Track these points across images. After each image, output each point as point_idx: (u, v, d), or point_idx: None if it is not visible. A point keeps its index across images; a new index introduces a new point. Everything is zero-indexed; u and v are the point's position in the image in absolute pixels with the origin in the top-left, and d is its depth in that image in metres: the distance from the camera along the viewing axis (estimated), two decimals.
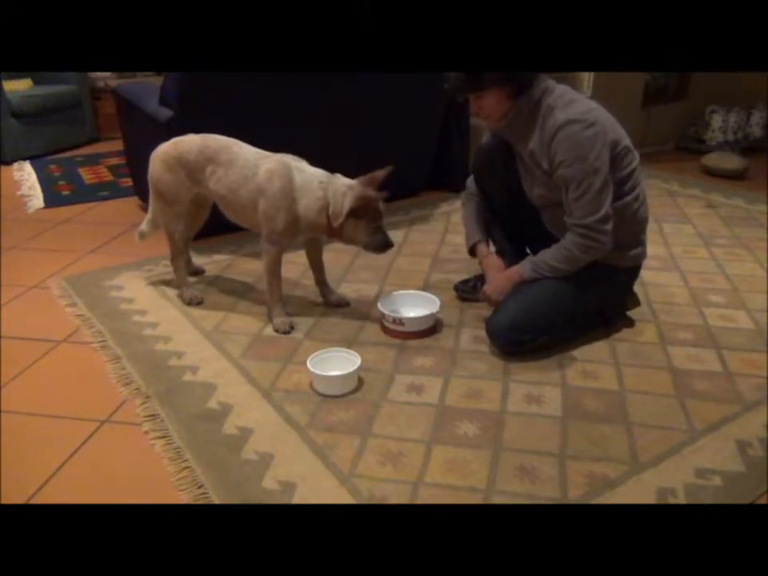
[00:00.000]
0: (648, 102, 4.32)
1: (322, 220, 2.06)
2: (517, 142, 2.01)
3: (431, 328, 2.15)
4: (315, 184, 2.07)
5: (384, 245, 2.09)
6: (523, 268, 2.00)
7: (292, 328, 2.18)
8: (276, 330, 2.17)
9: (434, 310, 2.15)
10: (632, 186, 1.95)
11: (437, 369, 1.96)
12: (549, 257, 1.96)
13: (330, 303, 2.35)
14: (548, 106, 1.88)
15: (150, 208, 2.42)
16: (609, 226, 1.88)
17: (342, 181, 2.08)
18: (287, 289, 2.37)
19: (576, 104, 1.87)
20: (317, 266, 2.34)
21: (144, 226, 2.46)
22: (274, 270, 2.18)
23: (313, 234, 2.19)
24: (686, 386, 1.86)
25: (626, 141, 1.92)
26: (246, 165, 2.15)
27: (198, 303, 2.35)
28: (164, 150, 2.28)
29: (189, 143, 2.25)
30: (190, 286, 2.42)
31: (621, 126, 1.94)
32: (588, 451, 1.60)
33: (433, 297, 2.23)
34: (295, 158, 2.16)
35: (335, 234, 2.08)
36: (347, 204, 2.00)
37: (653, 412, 1.75)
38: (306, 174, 2.10)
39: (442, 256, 2.80)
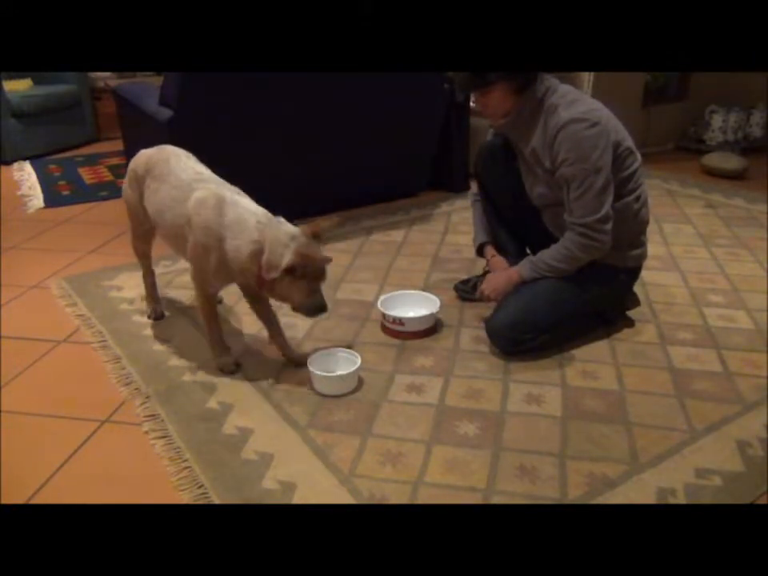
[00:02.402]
0: (648, 101, 4.32)
1: (253, 267, 1.74)
2: (519, 139, 2.01)
3: (431, 328, 2.15)
4: (252, 223, 1.74)
5: (318, 308, 1.78)
6: (522, 268, 2.01)
7: (238, 366, 1.96)
8: (221, 371, 1.94)
9: (434, 310, 2.15)
10: (633, 187, 1.95)
11: (437, 369, 1.96)
12: (548, 256, 1.96)
13: (293, 360, 1.99)
14: (551, 105, 1.88)
15: None
16: (609, 226, 1.88)
17: (284, 228, 1.74)
18: None
19: (579, 103, 1.87)
20: (268, 319, 2.00)
21: None
22: (209, 313, 1.95)
23: (244, 281, 1.86)
24: (685, 386, 1.86)
25: (629, 142, 1.92)
26: (177, 184, 1.88)
27: (158, 319, 2.27)
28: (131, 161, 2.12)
29: (144, 154, 2.07)
30: (159, 303, 2.31)
31: (623, 127, 1.94)
32: (588, 451, 1.60)
33: (433, 297, 2.23)
34: (235, 190, 1.87)
35: (265, 286, 1.76)
36: (286, 259, 1.67)
37: (653, 412, 1.75)
38: (241, 209, 1.78)
39: (442, 256, 2.80)
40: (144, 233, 2.18)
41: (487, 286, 2.07)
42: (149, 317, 2.27)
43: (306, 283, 1.73)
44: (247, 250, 1.73)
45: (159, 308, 2.30)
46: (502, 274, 2.08)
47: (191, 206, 1.82)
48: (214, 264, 1.80)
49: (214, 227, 1.77)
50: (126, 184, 2.13)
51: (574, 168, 1.83)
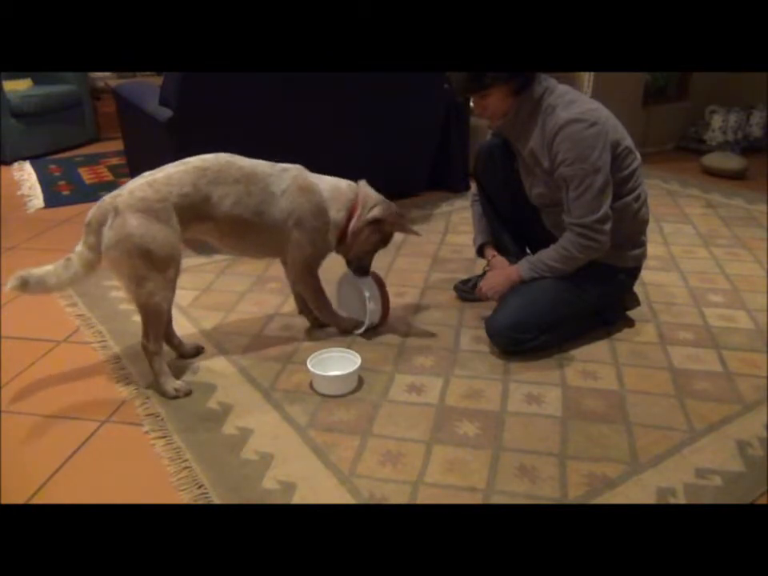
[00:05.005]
0: (648, 101, 4.32)
1: (343, 224, 2.00)
2: (517, 140, 2.01)
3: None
4: (344, 186, 2.02)
5: (367, 268, 2.11)
6: (521, 267, 2.01)
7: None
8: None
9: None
10: (633, 187, 1.95)
11: (437, 369, 1.96)
12: (546, 256, 1.96)
13: (317, 321, 2.19)
14: (549, 106, 1.88)
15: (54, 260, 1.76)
16: (608, 226, 1.88)
17: (372, 190, 2.06)
18: (287, 294, 2.38)
19: (578, 103, 1.87)
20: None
21: (30, 277, 1.74)
22: (319, 287, 2.07)
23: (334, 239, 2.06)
24: (685, 386, 1.86)
25: (628, 141, 1.92)
26: (267, 180, 1.89)
27: (186, 394, 1.83)
28: (139, 198, 1.70)
29: (169, 178, 1.76)
30: (170, 375, 1.84)
31: (623, 127, 1.94)
32: (588, 451, 1.60)
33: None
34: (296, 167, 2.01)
35: (343, 239, 2.03)
36: (377, 212, 2.00)
37: (653, 412, 1.75)
38: (326, 179, 2.01)
39: (442, 256, 2.80)
40: (177, 275, 1.82)
41: (486, 284, 2.07)
42: (175, 397, 1.81)
43: (377, 242, 2.06)
44: (345, 208, 1.99)
45: (181, 383, 1.86)
46: (502, 273, 2.08)
47: (295, 197, 1.91)
48: (323, 243, 2.00)
49: (321, 207, 1.95)
50: (144, 224, 1.69)
51: (572, 168, 1.83)
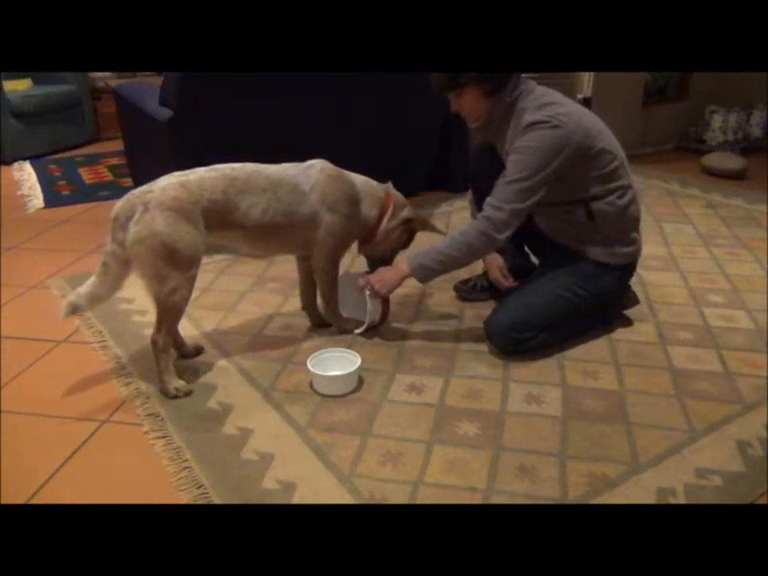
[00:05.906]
0: (648, 101, 4.32)
1: (373, 222, 2.06)
2: (495, 141, 2.04)
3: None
4: (375, 184, 2.08)
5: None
6: (411, 261, 1.98)
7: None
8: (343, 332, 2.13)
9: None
10: (614, 187, 1.95)
11: (437, 369, 1.96)
12: (443, 245, 1.95)
13: (318, 319, 2.20)
14: (521, 108, 1.90)
15: (100, 277, 1.76)
16: (513, 225, 1.87)
17: (399, 193, 2.13)
18: (288, 294, 2.38)
19: (549, 106, 1.87)
20: (307, 279, 2.17)
21: (78, 298, 1.76)
22: (336, 294, 2.10)
23: (359, 236, 2.11)
24: (685, 386, 1.86)
25: (604, 144, 1.91)
26: (294, 180, 1.92)
27: (186, 394, 1.82)
28: (172, 197, 1.71)
29: (202, 181, 1.78)
30: (173, 374, 1.84)
31: (605, 127, 1.95)
32: (588, 451, 1.60)
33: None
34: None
35: (371, 237, 2.09)
36: (408, 212, 2.10)
37: (653, 412, 1.75)
38: (358, 175, 2.06)
39: None
40: (192, 286, 1.83)
41: (376, 280, 2.05)
42: (175, 396, 1.81)
43: (404, 242, 2.15)
44: (376, 206, 2.05)
45: (183, 382, 1.86)
46: (392, 269, 2.09)
47: (325, 186, 1.95)
48: (351, 233, 2.03)
49: (354, 196, 2.00)
50: (172, 223, 1.70)
51: (518, 156, 1.85)
